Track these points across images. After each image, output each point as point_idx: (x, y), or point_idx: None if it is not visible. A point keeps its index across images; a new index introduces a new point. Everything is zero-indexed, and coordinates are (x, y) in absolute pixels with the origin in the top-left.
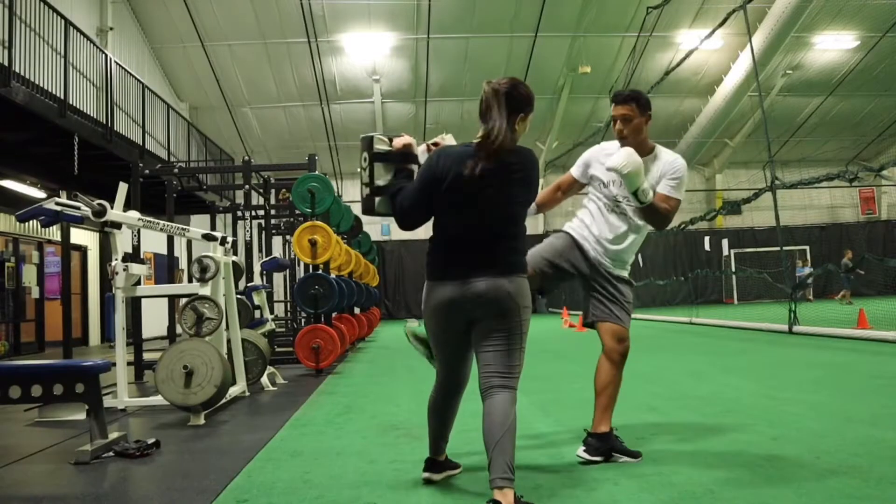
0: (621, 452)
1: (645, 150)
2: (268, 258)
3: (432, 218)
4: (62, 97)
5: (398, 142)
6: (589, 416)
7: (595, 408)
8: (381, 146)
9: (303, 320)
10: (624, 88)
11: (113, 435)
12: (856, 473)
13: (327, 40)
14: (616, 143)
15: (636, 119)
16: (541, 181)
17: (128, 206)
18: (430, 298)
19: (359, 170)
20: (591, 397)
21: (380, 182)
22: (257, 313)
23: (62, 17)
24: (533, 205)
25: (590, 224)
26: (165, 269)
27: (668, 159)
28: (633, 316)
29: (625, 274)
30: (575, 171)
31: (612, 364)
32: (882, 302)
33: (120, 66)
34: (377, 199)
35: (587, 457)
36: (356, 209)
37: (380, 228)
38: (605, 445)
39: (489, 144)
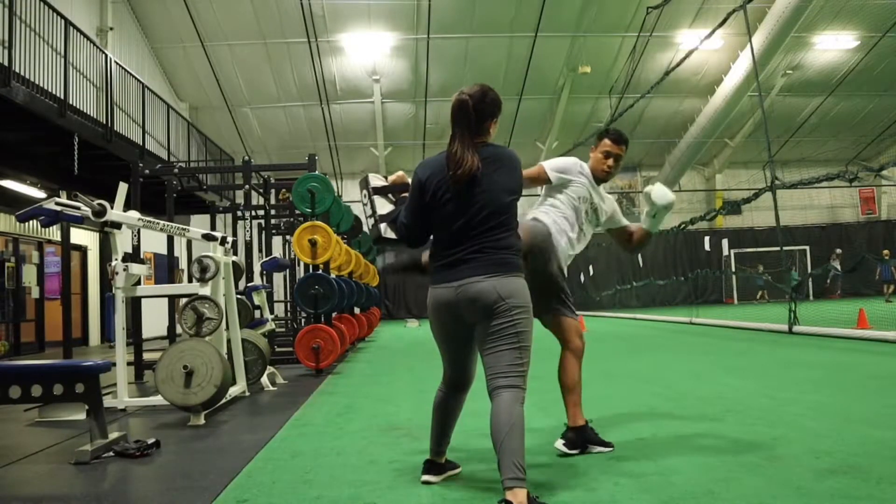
0: (595, 443)
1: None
2: (268, 258)
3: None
4: (62, 97)
5: (392, 177)
6: (588, 415)
7: (567, 404)
8: (376, 182)
9: (303, 320)
10: (610, 127)
11: (113, 435)
12: (856, 473)
13: (327, 40)
14: (587, 167)
15: (622, 159)
16: None
17: (128, 206)
18: (430, 301)
19: (363, 206)
20: (591, 396)
21: (382, 211)
22: (257, 313)
23: (62, 17)
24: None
25: (557, 230)
26: (165, 269)
27: (611, 199)
28: (634, 316)
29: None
30: (551, 175)
31: (576, 359)
32: (882, 302)
33: (120, 66)
34: (382, 227)
35: (565, 450)
36: (356, 209)
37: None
38: (581, 438)
39: (457, 174)
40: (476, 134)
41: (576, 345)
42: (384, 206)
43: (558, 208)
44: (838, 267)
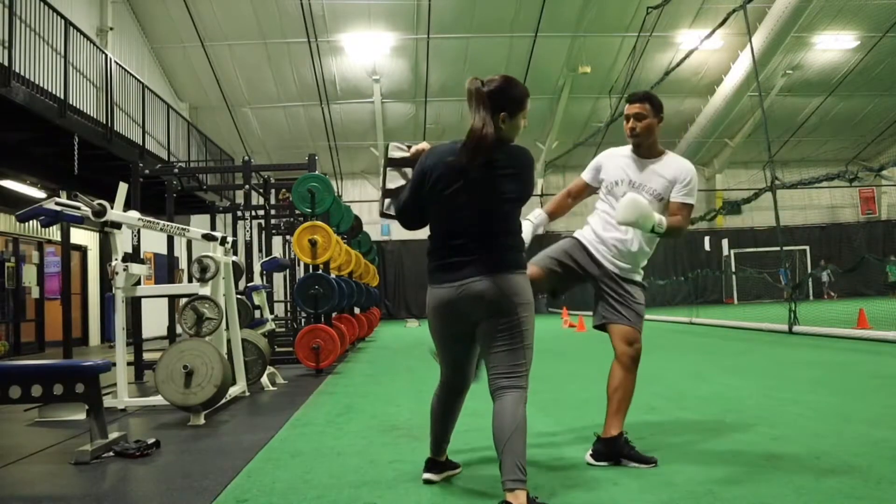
0: (631, 458)
1: (654, 153)
2: (268, 258)
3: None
4: (62, 97)
5: (415, 148)
6: (589, 415)
7: (606, 412)
8: (395, 153)
9: (303, 320)
10: (638, 91)
11: (113, 435)
12: (856, 473)
13: (327, 40)
14: (628, 147)
15: (649, 118)
16: (540, 181)
17: (128, 206)
18: (430, 301)
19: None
20: (591, 397)
21: (391, 185)
22: (257, 313)
23: (62, 17)
24: (543, 214)
25: (601, 228)
26: (165, 269)
27: (680, 164)
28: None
29: (636, 277)
30: (587, 176)
31: (621, 367)
32: (882, 302)
33: (120, 66)
34: (386, 202)
35: (592, 461)
36: (356, 209)
37: (380, 228)
38: (611, 450)
39: (470, 141)
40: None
41: (618, 350)
42: (395, 180)
43: (594, 213)
44: (828, 274)
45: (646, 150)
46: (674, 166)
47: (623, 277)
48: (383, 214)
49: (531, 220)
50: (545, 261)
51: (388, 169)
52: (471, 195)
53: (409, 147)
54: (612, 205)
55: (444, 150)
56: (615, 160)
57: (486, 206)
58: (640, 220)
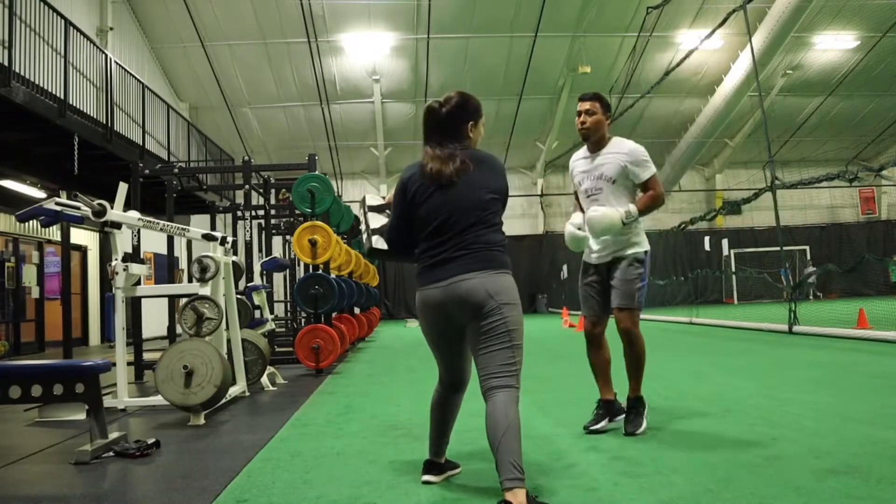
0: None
1: (604, 143)
2: (268, 258)
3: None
4: (62, 97)
5: (389, 196)
6: (589, 415)
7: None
8: (373, 202)
9: (303, 320)
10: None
11: (113, 435)
12: (856, 473)
13: (327, 40)
14: (584, 148)
15: (598, 114)
16: (540, 181)
17: (128, 206)
18: (419, 303)
19: (358, 225)
20: (590, 396)
21: (375, 225)
22: (257, 313)
23: (62, 17)
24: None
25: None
26: (165, 269)
27: (626, 147)
28: None
29: (627, 252)
30: (575, 184)
31: (622, 342)
32: (882, 302)
33: (120, 66)
34: (374, 238)
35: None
36: (356, 209)
37: None
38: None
39: (440, 182)
40: (451, 139)
41: (617, 329)
42: (378, 221)
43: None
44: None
45: (594, 145)
46: (620, 150)
47: (613, 259)
48: (372, 251)
49: (574, 219)
50: (592, 311)
51: (369, 214)
52: (453, 190)
53: (384, 198)
54: (585, 207)
55: (419, 163)
56: (576, 163)
57: (469, 196)
58: (610, 228)
